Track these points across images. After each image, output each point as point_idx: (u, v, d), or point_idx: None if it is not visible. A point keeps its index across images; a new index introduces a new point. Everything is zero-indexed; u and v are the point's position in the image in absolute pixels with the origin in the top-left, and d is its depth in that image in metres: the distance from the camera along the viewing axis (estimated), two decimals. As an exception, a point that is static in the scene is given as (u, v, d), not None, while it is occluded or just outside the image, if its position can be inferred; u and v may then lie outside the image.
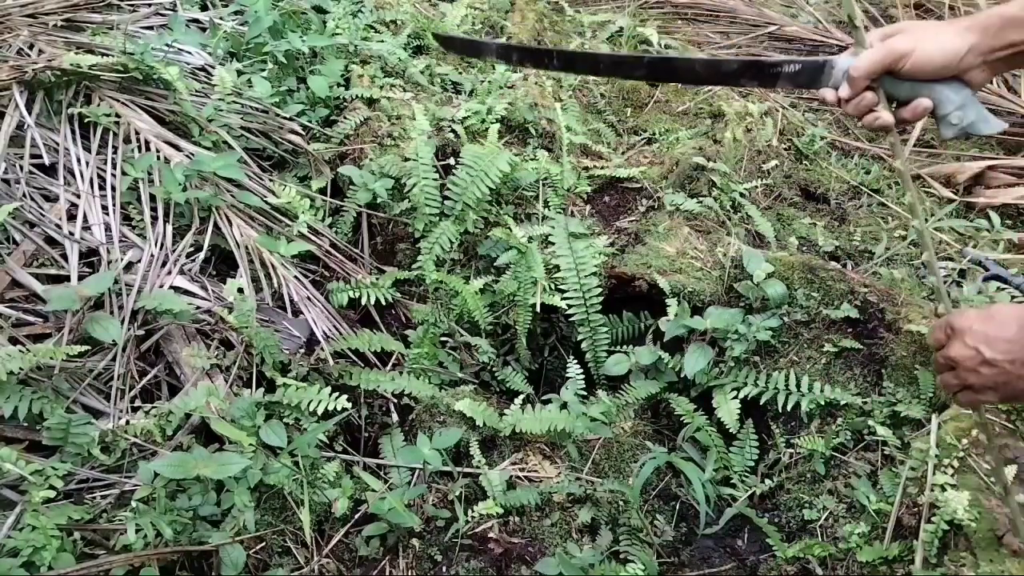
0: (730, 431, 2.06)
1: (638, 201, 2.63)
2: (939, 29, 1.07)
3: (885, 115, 1.11)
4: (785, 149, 2.92)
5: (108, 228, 2.02)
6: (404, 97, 2.61)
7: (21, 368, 1.59)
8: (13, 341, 1.73)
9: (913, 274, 2.41)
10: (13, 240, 1.91)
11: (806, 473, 1.96)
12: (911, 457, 1.82)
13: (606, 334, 2.29)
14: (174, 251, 2.05)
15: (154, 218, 2.08)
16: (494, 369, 2.25)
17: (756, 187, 2.70)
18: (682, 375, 2.14)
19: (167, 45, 2.41)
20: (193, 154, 2.19)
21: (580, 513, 1.86)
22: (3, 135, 2.02)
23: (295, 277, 2.16)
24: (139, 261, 1.99)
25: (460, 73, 2.89)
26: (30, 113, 2.09)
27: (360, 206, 2.35)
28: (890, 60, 1.07)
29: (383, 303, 2.25)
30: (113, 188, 2.08)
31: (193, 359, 1.86)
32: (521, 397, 2.05)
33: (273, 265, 2.14)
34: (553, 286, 2.27)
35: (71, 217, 2.01)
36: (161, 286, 1.96)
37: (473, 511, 1.75)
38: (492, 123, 2.52)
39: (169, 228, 2.08)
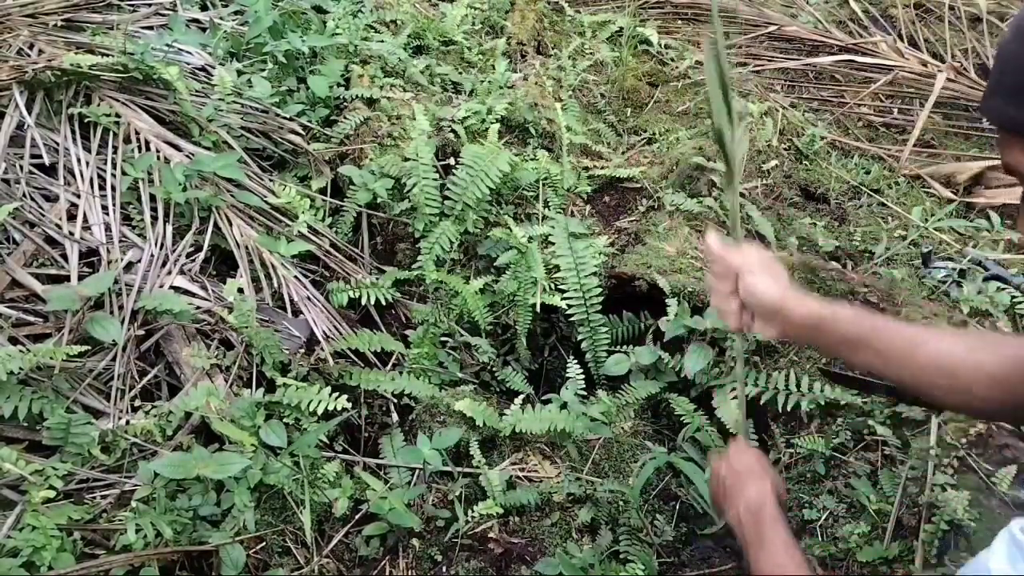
0: (730, 431, 2.05)
1: (638, 201, 2.63)
2: (778, 284, 1.18)
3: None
4: (785, 149, 2.92)
5: (108, 228, 2.02)
6: (404, 97, 2.61)
7: (21, 368, 1.59)
8: (13, 341, 1.73)
9: (913, 274, 2.41)
10: (13, 240, 1.91)
11: (806, 473, 1.96)
12: (911, 457, 1.82)
13: (606, 334, 2.29)
14: (174, 251, 2.05)
15: (154, 218, 2.08)
16: (494, 369, 2.25)
17: (756, 187, 2.70)
18: (682, 375, 2.14)
19: (167, 45, 2.41)
20: (193, 154, 2.18)
21: (580, 513, 1.86)
22: (3, 135, 2.02)
23: (295, 277, 2.16)
24: (139, 261, 1.99)
25: (460, 73, 2.89)
26: (30, 113, 2.09)
27: (360, 206, 2.35)
28: (735, 272, 1.22)
29: (383, 303, 2.25)
30: (113, 188, 2.08)
31: (193, 359, 1.86)
32: (521, 397, 2.05)
33: (273, 265, 2.14)
34: (553, 286, 2.27)
35: (71, 217, 2.01)
36: (161, 286, 1.96)
37: (473, 511, 1.75)
38: (492, 123, 2.52)
39: (169, 228, 2.08)
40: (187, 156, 2.18)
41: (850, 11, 3.92)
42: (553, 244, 2.32)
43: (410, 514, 1.69)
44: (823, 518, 1.87)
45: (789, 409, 2.03)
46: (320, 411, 1.80)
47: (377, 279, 2.28)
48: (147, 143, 2.18)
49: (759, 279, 1.17)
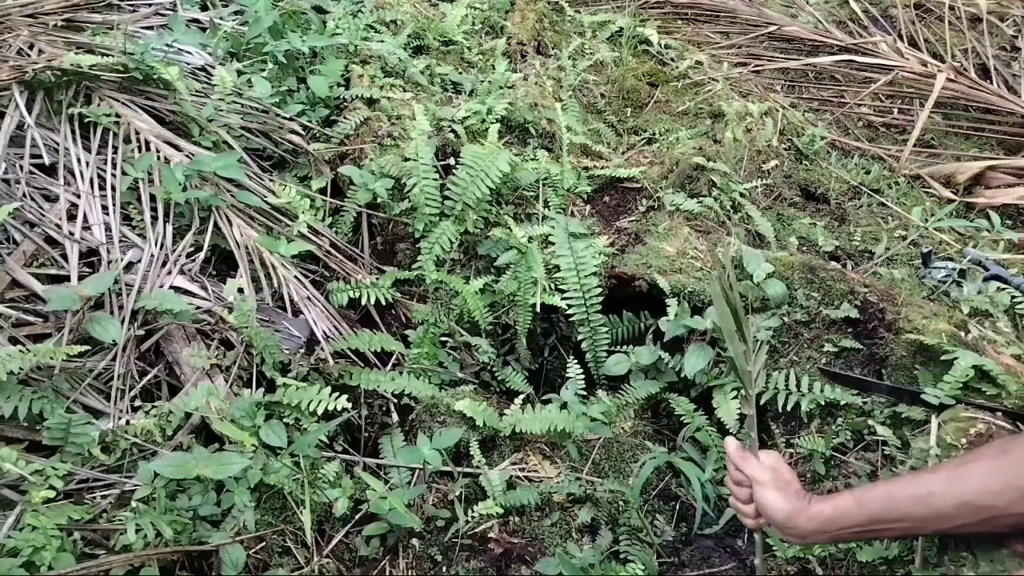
0: (730, 431, 2.05)
1: (638, 201, 2.63)
2: (789, 500, 1.23)
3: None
4: (785, 149, 2.92)
5: (108, 228, 2.02)
6: (404, 97, 2.61)
7: (21, 368, 1.59)
8: (13, 341, 1.73)
9: (913, 274, 2.41)
10: (13, 240, 1.91)
11: (806, 473, 1.96)
12: (911, 457, 1.82)
13: (606, 334, 2.29)
14: (174, 251, 2.05)
15: (154, 218, 2.08)
16: (494, 369, 2.25)
17: (756, 187, 2.70)
18: (682, 375, 2.14)
19: (167, 45, 2.41)
20: (193, 154, 2.19)
21: (580, 513, 1.86)
22: (3, 135, 2.02)
23: (295, 277, 2.16)
24: (139, 261, 1.99)
25: (460, 73, 2.89)
26: (30, 113, 2.09)
27: (360, 206, 2.35)
28: (753, 483, 1.29)
29: (383, 303, 2.25)
30: (113, 188, 2.08)
31: (193, 359, 1.86)
32: (521, 397, 2.05)
33: (273, 265, 2.14)
34: (553, 286, 2.27)
35: (71, 217, 2.01)
36: (161, 286, 1.96)
37: (473, 511, 1.75)
38: (492, 123, 2.52)
39: (169, 228, 2.08)
40: (187, 156, 2.18)
41: (850, 11, 3.93)
42: (553, 244, 2.32)
43: (410, 514, 1.69)
44: (823, 518, 1.86)
45: (789, 409, 2.03)
46: (320, 411, 1.80)
47: (377, 279, 2.28)
48: (147, 143, 2.18)
49: (768, 495, 1.24)
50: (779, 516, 1.22)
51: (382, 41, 2.81)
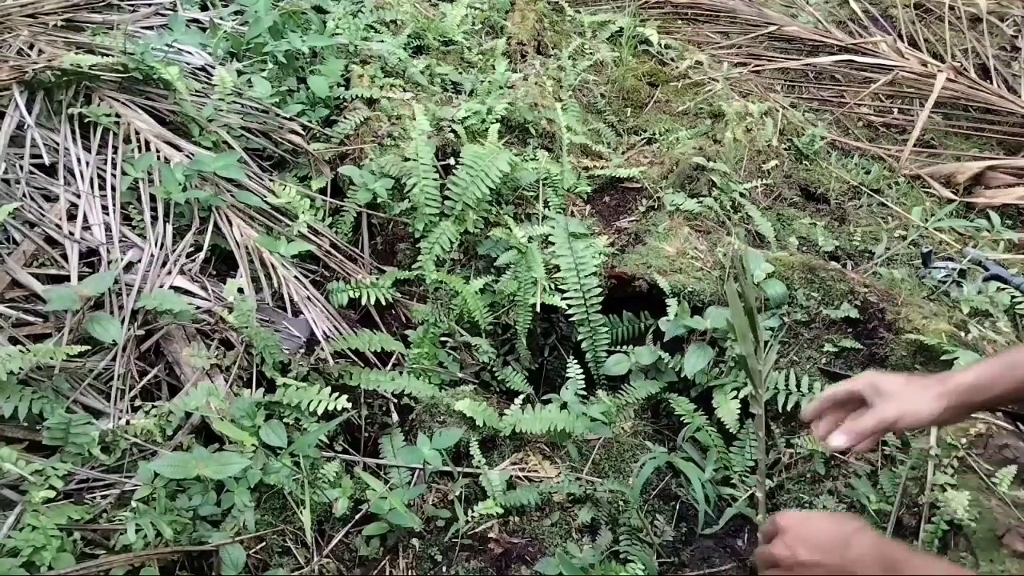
0: (730, 431, 2.05)
1: (638, 201, 2.63)
2: (917, 396, 1.16)
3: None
4: (785, 149, 2.92)
5: (108, 228, 2.02)
6: (404, 97, 2.61)
7: (21, 368, 1.59)
8: (13, 341, 1.73)
9: (913, 274, 2.41)
10: (13, 240, 1.91)
11: (806, 473, 1.96)
12: (911, 457, 1.82)
13: (606, 334, 2.29)
14: (174, 251, 2.05)
15: (154, 218, 2.08)
16: (494, 369, 2.25)
17: (756, 187, 2.70)
18: (682, 375, 2.14)
19: (167, 45, 2.41)
20: (193, 154, 2.19)
21: (580, 513, 1.86)
22: (3, 135, 2.02)
23: (295, 277, 2.16)
24: (139, 261, 1.99)
25: (460, 73, 2.89)
26: (30, 113, 2.09)
27: (360, 206, 2.35)
28: (883, 429, 1.18)
29: (383, 303, 2.25)
30: (113, 188, 2.08)
31: (193, 359, 1.86)
32: (521, 397, 2.05)
33: (273, 265, 2.14)
34: (553, 286, 2.27)
35: (71, 217, 2.01)
36: (161, 286, 1.96)
37: (473, 511, 1.75)
38: (492, 123, 2.52)
39: (169, 228, 2.08)
40: (187, 156, 2.18)
41: (850, 11, 3.93)
42: (553, 244, 2.32)
43: (410, 514, 1.69)
44: (823, 518, 1.86)
45: (789, 409, 2.03)
46: (320, 411, 1.80)
47: (377, 279, 2.28)
48: (147, 143, 2.18)
49: (909, 409, 1.16)
50: (932, 416, 1.16)
51: (382, 41, 2.81)
